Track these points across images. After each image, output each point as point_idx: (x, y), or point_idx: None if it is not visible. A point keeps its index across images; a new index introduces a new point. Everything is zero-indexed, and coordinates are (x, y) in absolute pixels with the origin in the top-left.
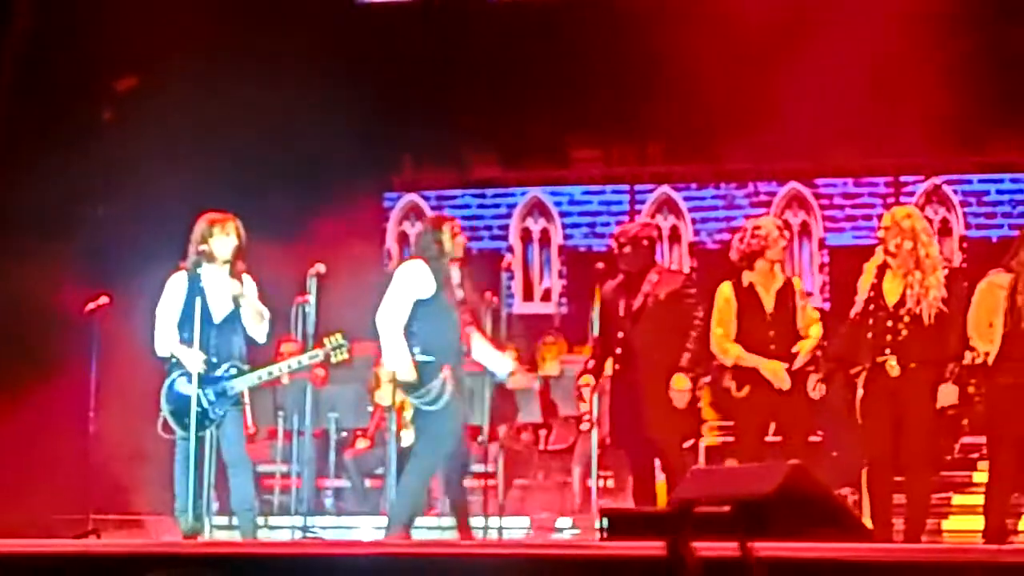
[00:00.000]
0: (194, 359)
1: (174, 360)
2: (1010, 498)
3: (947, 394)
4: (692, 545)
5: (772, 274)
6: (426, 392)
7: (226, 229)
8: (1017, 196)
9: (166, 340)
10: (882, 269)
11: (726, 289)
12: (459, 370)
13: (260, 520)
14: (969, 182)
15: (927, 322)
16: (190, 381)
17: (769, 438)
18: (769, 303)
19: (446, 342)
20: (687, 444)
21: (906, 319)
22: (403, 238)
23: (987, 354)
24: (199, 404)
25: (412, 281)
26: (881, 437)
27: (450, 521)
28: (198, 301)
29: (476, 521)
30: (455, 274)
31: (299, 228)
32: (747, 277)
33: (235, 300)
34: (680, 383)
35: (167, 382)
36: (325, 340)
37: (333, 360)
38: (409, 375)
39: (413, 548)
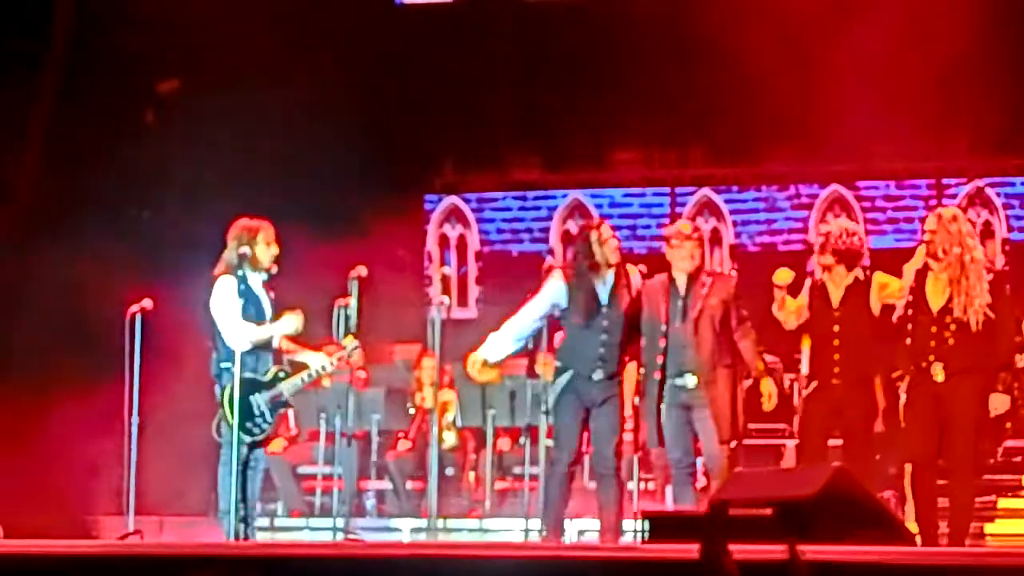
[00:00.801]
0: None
1: (225, 367)
2: None
3: (999, 402)
4: (728, 548)
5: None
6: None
7: (268, 236)
8: None
9: (244, 335)
10: (922, 273)
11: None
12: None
13: (302, 521)
14: (1012, 184)
15: (974, 328)
16: (252, 385)
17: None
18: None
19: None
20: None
21: (952, 326)
22: (444, 240)
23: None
24: (258, 408)
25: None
26: (925, 441)
27: (491, 523)
28: (250, 304)
29: (517, 523)
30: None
31: (340, 230)
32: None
33: (273, 306)
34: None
35: (228, 386)
36: (344, 340)
37: (352, 360)
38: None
39: (449, 550)
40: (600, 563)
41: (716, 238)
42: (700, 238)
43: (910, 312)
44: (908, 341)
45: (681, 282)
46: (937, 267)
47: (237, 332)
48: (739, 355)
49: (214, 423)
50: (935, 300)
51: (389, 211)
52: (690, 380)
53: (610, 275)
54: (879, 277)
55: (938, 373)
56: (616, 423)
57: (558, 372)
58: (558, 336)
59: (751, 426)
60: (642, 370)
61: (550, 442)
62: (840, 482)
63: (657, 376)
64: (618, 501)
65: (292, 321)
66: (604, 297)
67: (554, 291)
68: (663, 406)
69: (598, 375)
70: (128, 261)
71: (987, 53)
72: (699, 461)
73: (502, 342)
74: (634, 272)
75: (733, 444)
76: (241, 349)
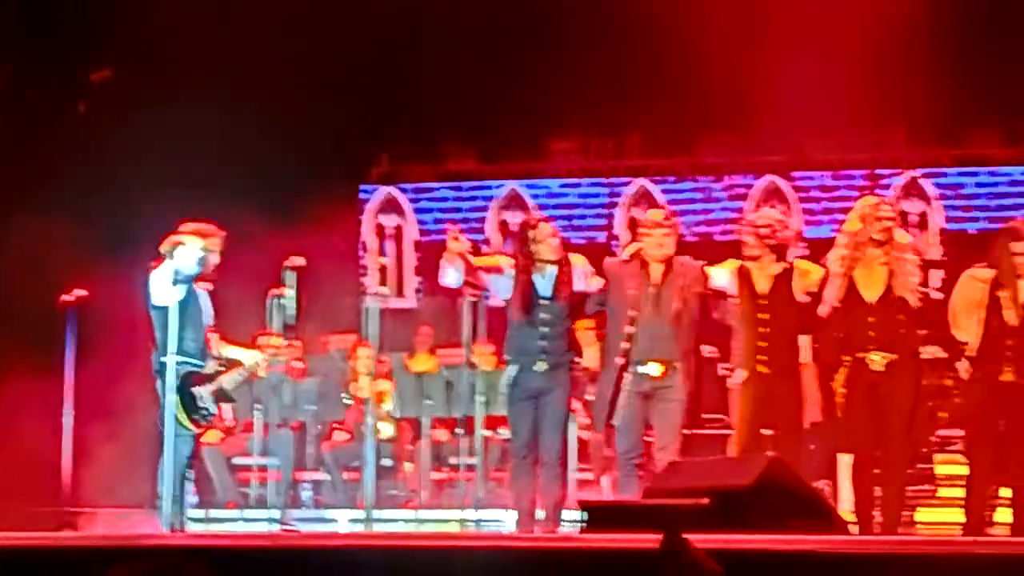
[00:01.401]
0: (247, 355)
1: (165, 360)
2: (988, 490)
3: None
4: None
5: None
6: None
7: (213, 244)
8: (994, 190)
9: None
10: (850, 262)
11: None
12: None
13: (237, 513)
14: (946, 175)
15: (905, 315)
16: (194, 377)
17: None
18: None
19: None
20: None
21: (883, 312)
22: (380, 230)
23: (965, 345)
24: (201, 400)
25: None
26: (865, 431)
27: (428, 514)
28: (191, 300)
29: (454, 513)
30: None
31: (276, 220)
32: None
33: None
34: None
35: (171, 378)
36: (276, 339)
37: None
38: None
39: (388, 541)
40: (538, 552)
41: None
42: (673, 225)
43: (843, 302)
44: (843, 332)
45: (654, 270)
46: (865, 255)
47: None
48: (698, 347)
49: (159, 415)
50: (868, 290)
51: (325, 201)
52: (655, 368)
53: (551, 270)
54: (800, 264)
55: (874, 362)
56: (561, 413)
57: (508, 365)
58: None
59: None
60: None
61: (487, 432)
62: (775, 472)
63: (620, 361)
64: (559, 490)
65: (252, 356)
66: (546, 291)
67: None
68: (622, 394)
69: (541, 367)
70: (66, 251)
71: (923, 44)
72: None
73: None
74: (580, 261)
75: (687, 432)
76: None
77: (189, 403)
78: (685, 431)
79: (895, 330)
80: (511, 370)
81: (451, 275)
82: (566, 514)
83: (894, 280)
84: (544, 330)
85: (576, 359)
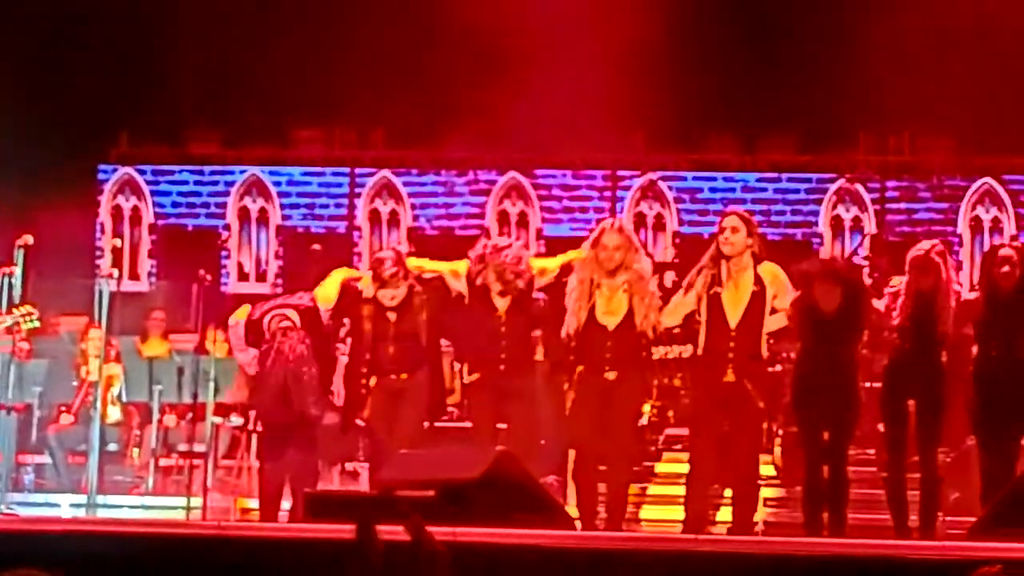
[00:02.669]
0: None
1: None
2: (708, 489)
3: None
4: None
5: None
6: None
7: None
8: (729, 195)
9: None
10: (585, 280)
11: None
12: None
13: None
14: (684, 179)
15: (644, 340)
16: None
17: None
18: None
19: None
20: None
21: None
22: (117, 212)
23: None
24: None
25: None
26: (588, 428)
27: (154, 500)
28: None
29: (181, 501)
30: None
31: (9, 198)
32: None
33: None
34: None
35: None
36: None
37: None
38: None
39: (110, 527)
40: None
41: (394, 220)
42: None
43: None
44: (575, 343)
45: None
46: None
47: None
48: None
49: None
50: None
51: (62, 181)
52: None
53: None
54: (536, 263)
55: (602, 372)
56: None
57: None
58: None
59: None
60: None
61: (217, 419)
62: (503, 466)
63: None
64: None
65: None
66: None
67: None
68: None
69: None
70: None
71: (664, 50)
72: None
73: None
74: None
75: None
76: None
77: None
78: (425, 424)
79: (634, 352)
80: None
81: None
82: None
83: (635, 305)
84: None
85: None
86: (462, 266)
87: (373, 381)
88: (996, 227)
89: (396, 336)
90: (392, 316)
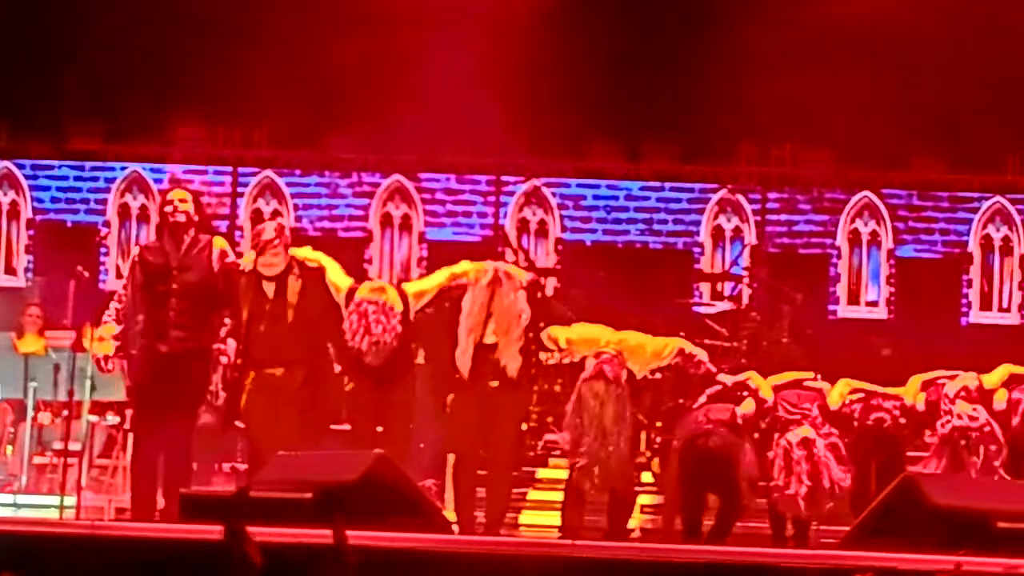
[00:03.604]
0: None
1: None
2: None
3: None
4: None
5: None
6: None
7: None
8: (612, 202)
9: None
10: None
11: None
12: None
13: None
14: (568, 186)
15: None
16: None
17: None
18: None
19: None
20: None
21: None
22: None
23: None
24: None
25: None
26: (468, 431)
27: (27, 499)
28: None
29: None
30: None
31: None
32: None
33: None
34: None
35: None
36: None
37: None
38: None
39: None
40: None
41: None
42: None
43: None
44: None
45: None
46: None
47: None
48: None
49: None
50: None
51: None
52: (494, 382)
53: None
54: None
55: (492, 382)
56: None
57: None
58: None
59: None
60: None
61: (93, 417)
62: (381, 469)
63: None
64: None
65: None
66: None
67: None
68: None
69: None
70: None
71: (551, 57)
72: None
73: None
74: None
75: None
76: None
77: None
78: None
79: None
80: None
81: None
82: None
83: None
84: None
85: None
86: (344, 283)
87: (251, 377)
88: (875, 240)
89: (272, 315)
90: (269, 290)
